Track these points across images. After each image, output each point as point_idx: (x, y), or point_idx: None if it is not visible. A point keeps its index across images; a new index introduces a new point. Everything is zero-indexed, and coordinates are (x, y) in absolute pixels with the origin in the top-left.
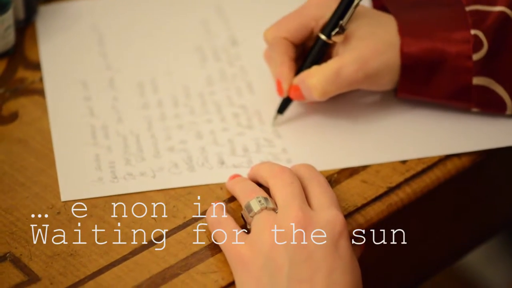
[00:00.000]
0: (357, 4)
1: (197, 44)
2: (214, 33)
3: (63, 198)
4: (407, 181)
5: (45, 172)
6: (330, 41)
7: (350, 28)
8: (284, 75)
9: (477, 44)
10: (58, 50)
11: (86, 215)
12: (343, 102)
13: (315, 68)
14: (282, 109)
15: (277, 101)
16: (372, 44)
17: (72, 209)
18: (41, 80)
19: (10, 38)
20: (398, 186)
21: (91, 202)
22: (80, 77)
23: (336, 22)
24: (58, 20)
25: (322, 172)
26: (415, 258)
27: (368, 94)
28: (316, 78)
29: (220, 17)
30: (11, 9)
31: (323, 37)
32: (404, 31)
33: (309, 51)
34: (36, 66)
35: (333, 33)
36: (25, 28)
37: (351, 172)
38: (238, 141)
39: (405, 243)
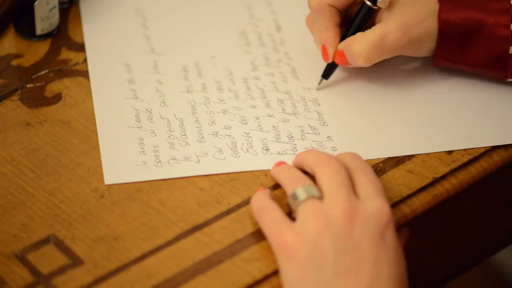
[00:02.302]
0: None
1: (241, 28)
2: (258, 18)
3: (107, 181)
4: (452, 172)
5: (88, 154)
6: (375, 7)
7: None
8: (330, 40)
9: None
10: (101, 31)
11: (130, 199)
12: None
13: (359, 35)
14: (326, 74)
15: (324, 90)
16: (415, 11)
17: (116, 193)
18: (85, 61)
19: (54, 18)
20: (444, 177)
21: (135, 186)
22: (124, 60)
23: None
24: (101, 1)
25: (367, 161)
26: (456, 249)
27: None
28: (361, 44)
29: (264, 1)
30: None
31: (368, 2)
32: None
33: (354, 17)
34: (80, 47)
35: None
36: (69, 8)
37: (397, 161)
38: (283, 128)
39: (448, 234)
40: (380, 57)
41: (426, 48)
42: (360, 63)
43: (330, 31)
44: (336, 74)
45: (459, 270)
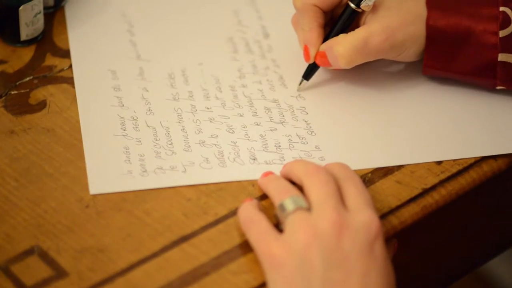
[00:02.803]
0: None
1: (229, 35)
2: (245, 24)
3: (92, 191)
4: (442, 182)
5: (73, 163)
6: (359, 10)
7: None
8: (312, 41)
9: (505, 21)
10: (87, 37)
11: (115, 209)
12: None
13: (342, 36)
14: (307, 75)
15: (311, 95)
16: (401, 15)
17: (101, 203)
18: (70, 67)
19: (39, 24)
20: (433, 187)
21: (120, 196)
22: (109, 66)
23: None
24: (87, 6)
25: (355, 171)
26: (446, 260)
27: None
28: (343, 46)
29: (252, 7)
30: None
31: (352, 5)
32: (431, 3)
33: (337, 19)
34: (65, 53)
35: (362, 2)
36: (54, 13)
37: (385, 172)
38: (271, 137)
39: (437, 245)
40: (362, 59)
41: (410, 52)
42: (342, 64)
43: (313, 32)
44: (325, 81)
45: (448, 280)
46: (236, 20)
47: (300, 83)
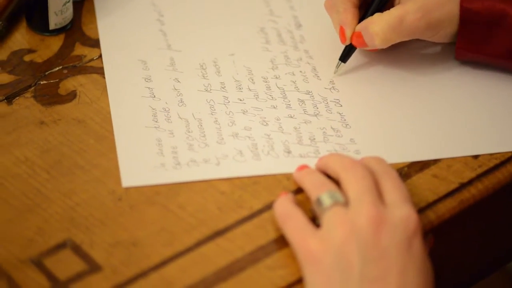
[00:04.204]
0: None
1: (260, 25)
2: (277, 14)
3: (124, 184)
4: (479, 177)
5: (105, 155)
6: None
7: None
8: (348, 21)
9: None
10: (116, 26)
11: (148, 202)
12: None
13: (377, 15)
14: (344, 57)
15: (344, 86)
16: None
17: (134, 196)
18: (99, 57)
19: (68, 13)
20: (470, 182)
21: (153, 189)
22: (140, 56)
23: None
24: None
25: (391, 165)
26: (482, 254)
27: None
28: (379, 25)
29: None
30: None
31: None
32: None
33: None
34: (94, 43)
35: None
36: (83, 2)
37: (422, 166)
38: (305, 129)
39: (474, 239)
40: (398, 38)
41: (446, 33)
42: (378, 43)
43: (348, 12)
44: (357, 70)
45: (482, 274)
46: (268, 10)
47: (337, 66)
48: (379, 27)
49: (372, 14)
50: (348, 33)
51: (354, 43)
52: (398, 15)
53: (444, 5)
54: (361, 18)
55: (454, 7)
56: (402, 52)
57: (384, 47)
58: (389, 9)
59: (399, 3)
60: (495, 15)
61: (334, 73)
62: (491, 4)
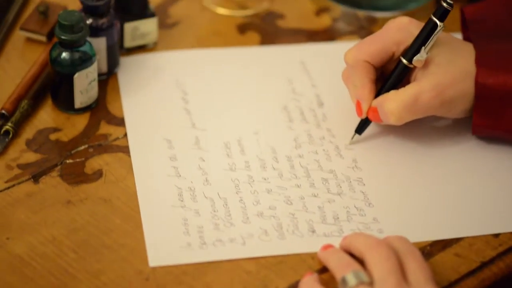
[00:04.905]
0: (439, 31)
1: (284, 103)
2: (299, 92)
3: (152, 263)
4: (500, 255)
5: (131, 234)
6: (411, 65)
7: (430, 54)
8: (365, 96)
9: None
10: (141, 104)
11: (176, 282)
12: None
13: (393, 93)
14: (360, 129)
15: (367, 165)
16: (450, 72)
17: (161, 276)
18: (125, 136)
19: (93, 91)
20: (492, 260)
21: (180, 268)
22: (165, 135)
23: (419, 47)
24: (140, 72)
25: (414, 244)
26: None
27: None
28: (394, 103)
29: (305, 75)
30: (95, 63)
31: (404, 61)
32: (481, 61)
33: (389, 75)
34: (119, 121)
35: (415, 58)
36: (107, 80)
37: (444, 244)
38: (329, 209)
39: None
40: (413, 116)
41: (460, 109)
42: (392, 121)
43: (365, 87)
44: (380, 148)
45: None
46: (291, 88)
47: (353, 137)
48: (395, 106)
49: (388, 90)
50: (365, 108)
51: (370, 117)
52: (413, 93)
53: (459, 83)
54: (377, 93)
55: (468, 84)
56: (422, 125)
57: (399, 124)
58: (405, 85)
59: (414, 80)
60: (508, 90)
61: (349, 143)
62: (506, 79)
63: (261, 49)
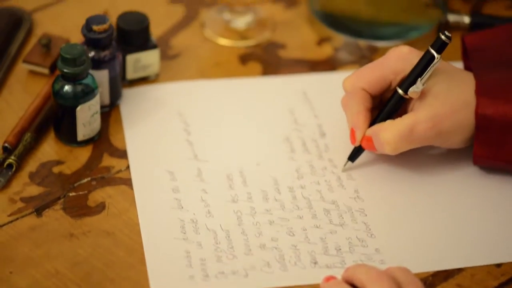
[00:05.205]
0: (436, 63)
1: (286, 134)
2: (301, 123)
3: None
4: (502, 285)
5: (134, 267)
6: (407, 96)
7: (427, 84)
8: (359, 124)
9: None
10: (143, 136)
11: None
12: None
13: (389, 122)
14: (353, 156)
15: (369, 195)
16: (448, 103)
17: None
18: (127, 168)
19: (96, 124)
20: None
21: None
22: (167, 167)
23: (415, 78)
24: (142, 104)
25: (416, 275)
26: None
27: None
28: (390, 133)
29: (307, 105)
30: (98, 95)
31: (400, 91)
32: (481, 91)
33: (385, 104)
34: (121, 154)
35: (410, 89)
36: (109, 112)
37: (446, 275)
38: (331, 240)
39: None
40: (408, 146)
41: (457, 140)
42: (387, 151)
43: (360, 115)
44: (382, 178)
45: None
46: (292, 119)
47: (345, 164)
48: (390, 136)
49: (383, 120)
50: (358, 136)
51: (363, 146)
52: (409, 124)
53: (456, 114)
54: (372, 121)
55: (466, 115)
56: (423, 153)
57: (394, 154)
58: (402, 114)
59: (411, 110)
60: (509, 121)
61: (342, 171)
62: (506, 110)
63: (263, 79)
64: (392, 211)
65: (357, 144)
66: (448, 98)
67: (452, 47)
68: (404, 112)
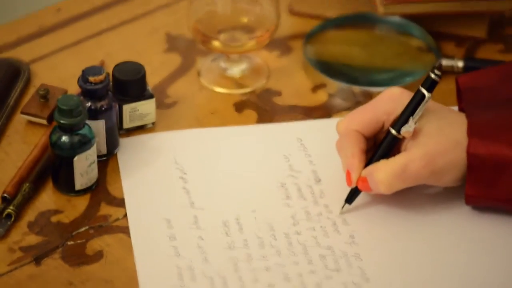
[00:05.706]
0: (427, 101)
1: (281, 180)
2: (297, 169)
3: None
4: None
5: None
6: (399, 136)
7: (419, 123)
8: (354, 166)
9: None
10: (140, 184)
11: None
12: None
13: (383, 162)
14: (350, 199)
15: (364, 240)
16: (440, 142)
17: None
18: (125, 217)
19: (93, 173)
20: None
21: None
22: (164, 215)
23: (407, 118)
24: (139, 153)
25: None
26: None
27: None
28: (383, 172)
29: (302, 152)
30: (95, 145)
31: (393, 132)
32: (473, 131)
33: (379, 145)
34: (119, 202)
35: (403, 128)
36: (107, 161)
37: None
38: (326, 285)
39: None
40: (402, 185)
41: (450, 178)
42: (382, 190)
43: (355, 157)
44: (378, 222)
45: None
46: (288, 165)
47: (343, 207)
48: (384, 175)
49: (378, 160)
50: (354, 178)
51: (359, 187)
52: (402, 163)
53: (448, 153)
54: (367, 163)
55: (458, 155)
56: (416, 193)
57: (389, 193)
58: (396, 154)
59: (405, 149)
60: (501, 161)
61: (340, 213)
62: (497, 150)
63: (258, 127)
64: (387, 255)
65: (353, 185)
66: (441, 138)
67: (448, 92)
68: (398, 152)
